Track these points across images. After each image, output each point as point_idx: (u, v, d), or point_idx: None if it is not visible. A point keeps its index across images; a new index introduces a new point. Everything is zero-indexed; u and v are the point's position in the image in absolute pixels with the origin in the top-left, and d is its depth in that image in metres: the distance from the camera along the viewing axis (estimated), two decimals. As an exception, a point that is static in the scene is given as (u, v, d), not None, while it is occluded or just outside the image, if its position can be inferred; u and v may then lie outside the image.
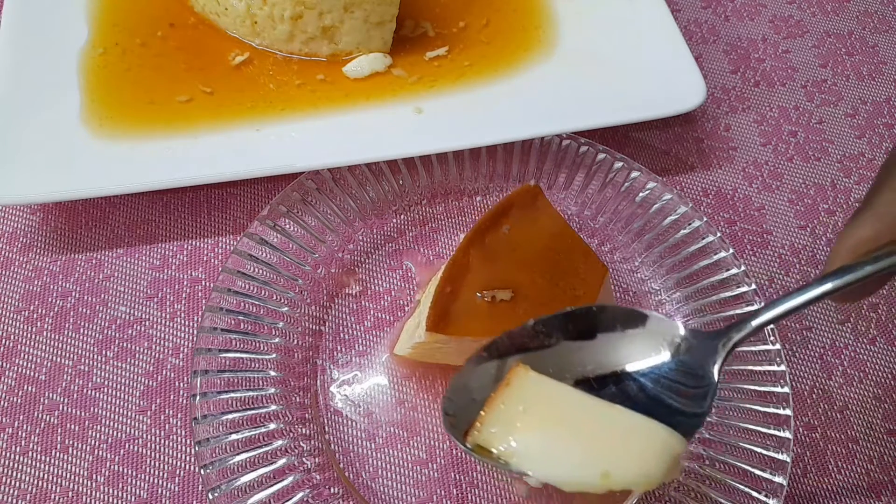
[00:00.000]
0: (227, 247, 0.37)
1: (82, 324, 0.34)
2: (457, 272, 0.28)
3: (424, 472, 0.31)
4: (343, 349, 0.34)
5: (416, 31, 0.39)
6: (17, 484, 0.30)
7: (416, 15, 0.40)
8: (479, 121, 0.36)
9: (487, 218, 0.30)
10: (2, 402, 0.32)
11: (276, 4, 0.36)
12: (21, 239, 0.36)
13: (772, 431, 0.30)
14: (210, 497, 0.27)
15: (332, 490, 0.30)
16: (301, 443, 0.30)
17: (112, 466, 0.31)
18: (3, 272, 0.35)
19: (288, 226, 0.34)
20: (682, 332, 0.25)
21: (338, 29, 0.37)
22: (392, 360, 0.33)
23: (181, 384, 0.33)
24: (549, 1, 0.42)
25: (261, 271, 0.33)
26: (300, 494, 0.29)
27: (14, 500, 0.30)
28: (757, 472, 0.29)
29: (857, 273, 0.22)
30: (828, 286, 0.23)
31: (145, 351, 0.33)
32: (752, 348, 0.33)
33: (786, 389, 0.31)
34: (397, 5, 0.38)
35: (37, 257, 0.36)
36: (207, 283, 0.35)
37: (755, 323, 0.25)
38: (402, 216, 0.38)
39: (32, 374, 0.33)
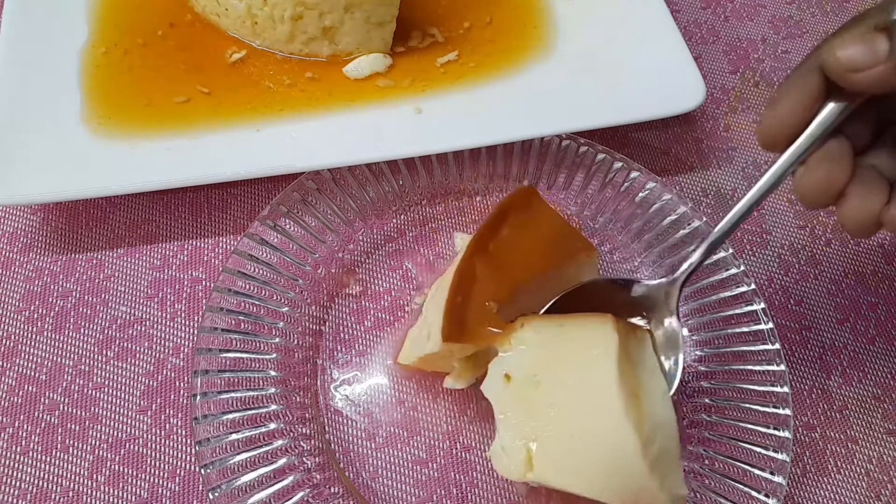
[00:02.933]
0: (228, 247, 0.37)
1: (83, 324, 0.34)
2: (465, 282, 0.28)
3: (424, 471, 0.31)
4: (343, 349, 0.34)
5: (425, 41, 0.39)
6: (18, 484, 0.30)
7: (422, 24, 0.39)
8: (479, 121, 0.36)
9: (487, 225, 0.30)
10: (2, 402, 0.32)
11: (277, 5, 0.36)
12: (21, 239, 0.36)
13: (771, 431, 0.30)
14: (210, 497, 0.27)
15: (332, 490, 0.30)
16: (301, 442, 0.30)
17: (112, 466, 0.31)
18: (4, 272, 0.35)
19: (288, 226, 0.34)
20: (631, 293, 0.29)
21: (338, 29, 0.37)
22: (395, 368, 0.33)
23: (181, 384, 0.33)
24: (548, 0, 0.42)
25: (261, 271, 0.33)
26: (300, 494, 0.29)
27: (14, 500, 0.30)
28: (756, 471, 0.29)
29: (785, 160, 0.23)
30: (758, 187, 0.25)
31: (146, 351, 0.33)
32: (752, 348, 0.33)
33: (785, 389, 0.31)
34: (397, 6, 0.37)
35: (37, 257, 0.36)
36: (208, 283, 0.35)
37: (698, 252, 0.28)
38: (403, 216, 0.38)
39: (33, 373, 0.33)
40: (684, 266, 0.29)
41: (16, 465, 0.30)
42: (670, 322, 0.29)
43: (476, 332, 0.28)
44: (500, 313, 0.28)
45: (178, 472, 0.31)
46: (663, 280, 0.29)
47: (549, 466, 0.25)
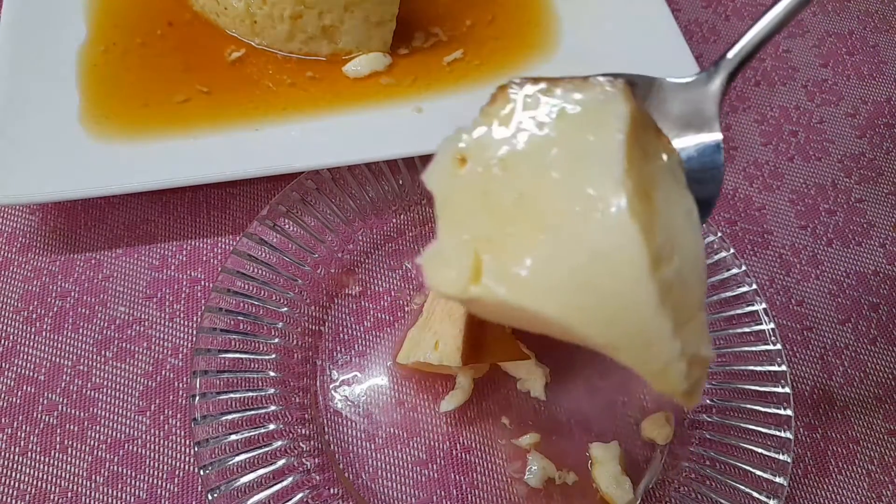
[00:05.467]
0: (227, 247, 0.36)
1: (81, 324, 0.34)
2: None
3: (424, 472, 0.31)
4: (343, 350, 0.34)
5: (429, 41, 0.39)
6: (17, 484, 0.30)
7: (424, 24, 0.39)
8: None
9: None
10: (1, 403, 0.32)
11: (276, 4, 0.36)
12: (20, 239, 0.36)
13: (773, 432, 0.30)
14: (209, 498, 0.27)
15: (331, 491, 0.30)
16: (301, 443, 0.30)
17: (111, 467, 0.31)
18: (2, 272, 0.35)
19: (287, 226, 0.34)
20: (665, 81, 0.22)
21: (337, 29, 0.37)
22: (395, 369, 0.33)
23: (180, 384, 0.33)
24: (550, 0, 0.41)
25: (260, 271, 0.33)
26: (300, 495, 0.29)
27: (13, 501, 0.30)
28: (758, 472, 0.29)
29: None
30: None
31: (144, 351, 0.33)
32: (754, 348, 0.32)
33: (787, 390, 0.31)
34: (397, 5, 0.37)
35: (36, 257, 0.35)
36: (207, 284, 0.35)
37: (747, 39, 0.21)
38: (402, 216, 0.37)
39: (31, 374, 0.32)
40: (735, 49, 0.19)
41: (14, 465, 0.30)
42: (708, 138, 0.20)
43: (492, 352, 0.27)
44: (517, 333, 0.28)
45: (177, 472, 0.31)
46: (701, 73, 0.20)
47: (504, 277, 0.16)
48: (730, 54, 0.22)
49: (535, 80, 0.19)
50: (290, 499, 0.28)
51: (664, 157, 0.19)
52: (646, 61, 0.39)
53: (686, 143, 0.22)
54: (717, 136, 0.22)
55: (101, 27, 0.38)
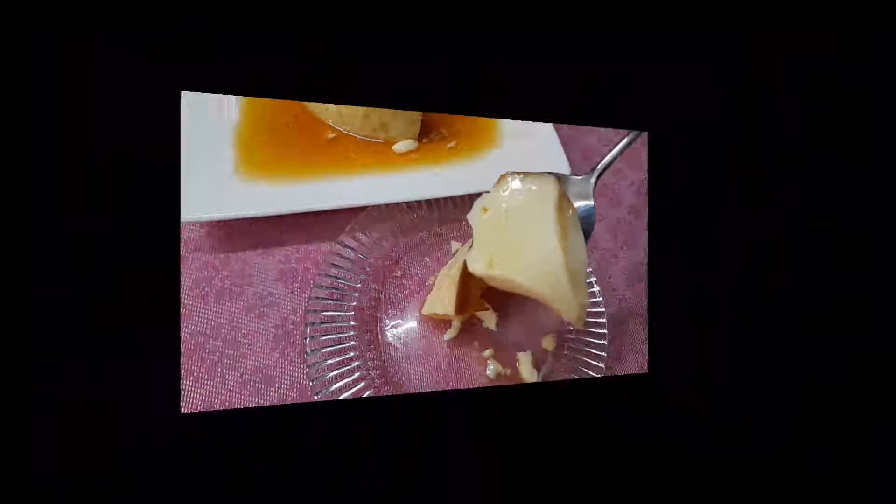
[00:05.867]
0: (326, 250, 0.29)
1: (234, 297, 0.26)
2: (465, 279, 0.23)
3: (436, 373, 0.26)
4: (392, 308, 0.27)
5: (438, 135, 0.33)
6: (190, 401, 0.22)
7: (437, 126, 0.33)
8: (465, 179, 0.30)
9: None
10: (183, 349, 0.24)
11: (355, 108, 0.28)
12: (192, 244, 0.27)
13: (598, 341, 0.27)
14: (315, 398, 0.22)
15: (385, 389, 0.24)
16: (368, 362, 0.24)
17: (253, 384, 0.23)
18: (182, 265, 0.26)
19: (360, 237, 0.27)
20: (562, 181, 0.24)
21: (389, 124, 0.30)
22: (420, 318, 0.27)
23: (297, 332, 0.26)
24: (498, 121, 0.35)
25: (344, 263, 0.26)
26: (368, 392, 0.23)
27: (188, 410, 0.22)
28: (594, 362, 0.26)
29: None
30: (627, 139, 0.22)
31: (275, 313, 0.26)
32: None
33: (603, 320, 0.27)
34: (420, 116, 0.31)
35: (202, 256, 0.27)
36: (314, 271, 0.28)
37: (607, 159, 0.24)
38: (424, 232, 0.31)
39: (201, 330, 0.25)
40: (603, 162, 0.24)
41: (189, 389, 0.23)
42: (587, 203, 0.24)
43: (471, 306, 0.24)
44: (483, 296, 0.24)
45: (295, 385, 0.24)
46: (585, 175, 0.24)
47: (504, 265, 0.20)
48: (598, 167, 0.25)
49: (518, 174, 0.21)
50: (362, 395, 0.23)
51: (570, 212, 0.21)
52: (540, 151, 0.33)
53: (578, 205, 0.24)
54: (591, 202, 0.24)
55: (249, 116, 0.29)
